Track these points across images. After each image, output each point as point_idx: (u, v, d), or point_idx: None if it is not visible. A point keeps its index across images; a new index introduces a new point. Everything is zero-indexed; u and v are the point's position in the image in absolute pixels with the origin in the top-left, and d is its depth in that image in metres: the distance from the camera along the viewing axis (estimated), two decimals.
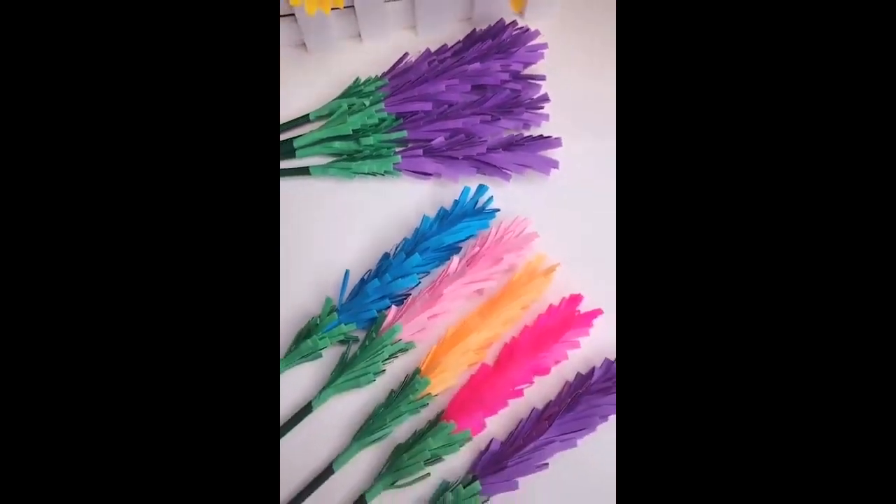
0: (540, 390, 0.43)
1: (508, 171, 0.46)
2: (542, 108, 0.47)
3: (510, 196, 0.47)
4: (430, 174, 0.47)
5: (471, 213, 0.46)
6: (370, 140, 0.47)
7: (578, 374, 0.43)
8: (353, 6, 0.48)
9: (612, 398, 0.41)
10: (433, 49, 0.49)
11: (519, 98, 0.47)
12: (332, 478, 0.41)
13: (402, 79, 0.48)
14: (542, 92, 0.48)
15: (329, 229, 0.47)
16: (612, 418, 0.41)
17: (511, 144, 0.47)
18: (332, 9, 0.44)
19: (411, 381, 0.42)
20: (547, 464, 0.40)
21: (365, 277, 0.45)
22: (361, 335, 0.44)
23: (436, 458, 0.41)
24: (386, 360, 0.43)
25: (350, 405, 0.43)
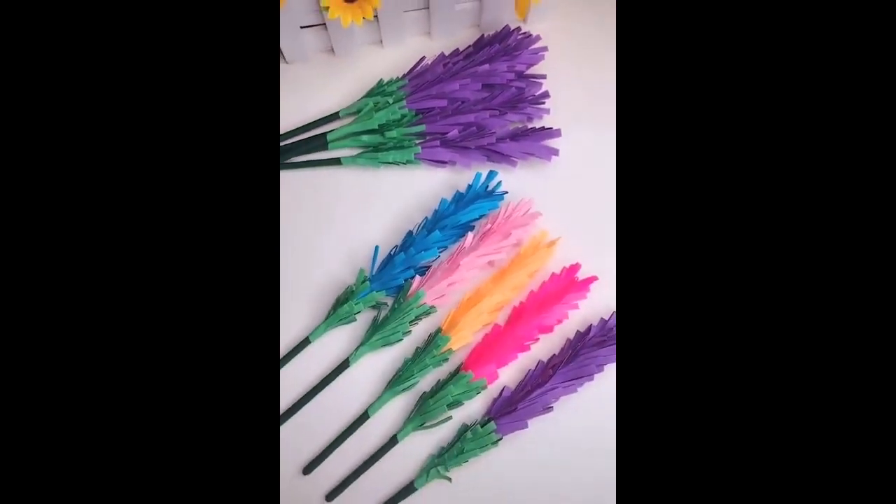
0: (545, 346, 0.47)
1: (515, 159, 0.50)
2: (543, 103, 0.50)
3: (517, 180, 0.50)
4: (446, 162, 0.50)
5: (482, 196, 0.49)
6: (393, 133, 0.50)
7: (577, 332, 0.47)
8: (376, 16, 0.51)
9: (606, 351, 0.45)
10: (447, 53, 0.52)
11: (523, 95, 0.50)
12: (367, 421, 0.46)
13: (421, 79, 0.51)
14: (543, 89, 0.51)
15: (360, 211, 0.50)
16: (607, 367, 0.45)
17: (517, 135, 0.50)
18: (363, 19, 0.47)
19: (434, 339, 0.46)
20: (552, 407, 0.45)
21: (392, 252, 0.48)
22: (390, 301, 0.48)
23: (456, 403, 0.45)
24: (412, 321, 0.47)
25: (382, 360, 0.47)
